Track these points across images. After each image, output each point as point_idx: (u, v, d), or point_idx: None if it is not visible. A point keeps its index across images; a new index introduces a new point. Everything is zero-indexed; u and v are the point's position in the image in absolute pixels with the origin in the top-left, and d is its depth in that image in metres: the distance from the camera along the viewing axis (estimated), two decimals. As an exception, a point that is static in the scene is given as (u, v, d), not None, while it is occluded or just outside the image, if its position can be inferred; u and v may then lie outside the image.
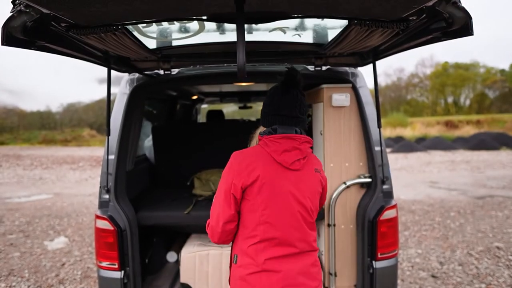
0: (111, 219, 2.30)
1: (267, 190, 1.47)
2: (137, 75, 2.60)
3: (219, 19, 1.60)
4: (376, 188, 2.41)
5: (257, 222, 1.48)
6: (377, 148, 2.43)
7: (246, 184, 1.47)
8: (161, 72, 2.57)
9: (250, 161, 1.49)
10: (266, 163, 1.49)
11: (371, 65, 2.29)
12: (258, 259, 1.48)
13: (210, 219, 1.58)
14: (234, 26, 1.74)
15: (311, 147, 1.61)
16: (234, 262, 1.55)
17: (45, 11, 1.26)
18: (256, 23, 1.77)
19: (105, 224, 2.30)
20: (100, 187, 2.40)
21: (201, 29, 1.94)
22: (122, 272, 2.32)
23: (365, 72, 2.65)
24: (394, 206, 2.39)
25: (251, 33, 2.08)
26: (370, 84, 2.82)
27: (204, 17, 1.60)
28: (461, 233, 5.63)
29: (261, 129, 1.65)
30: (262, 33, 2.06)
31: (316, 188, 1.59)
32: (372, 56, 2.16)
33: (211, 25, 1.92)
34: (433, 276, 4.14)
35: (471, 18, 1.37)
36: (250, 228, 1.50)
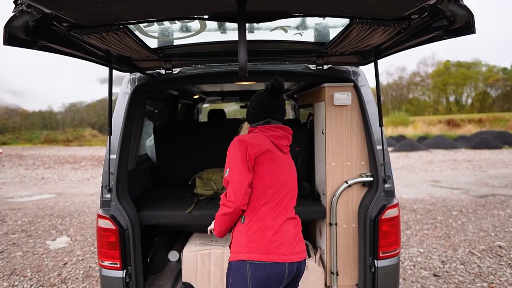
0: (113, 219, 2.30)
1: (273, 161, 1.81)
2: (138, 74, 2.60)
3: (221, 18, 1.60)
4: (377, 187, 2.40)
5: (266, 186, 1.78)
6: (379, 147, 2.43)
7: (258, 153, 1.78)
8: (163, 71, 2.57)
9: (256, 138, 1.82)
10: (269, 142, 1.85)
11: (372, 64, 2.28)
12: (264, 218, 1.76)
13: (232, 186, 1.75)
14: (235, 25, 1.75)
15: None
16: (242, 222, 1.80)
17: (46, 11, 1.27)
18: (258, 22, 1.77)
19: (107, 224, 2.30)
20: (102, 186, 2.40)
21: (203, 28, 1.94)
22: (124, 271, 2.32)
23: (366, 71, 2.65)
24: (396, 205, 2.38)
25: (253, 32, 2.08)
26: (372, 83, 2.81)
27: (206, 16, 1.60)
28: (463, 232, 5.62)
29: (246, 125, 2.03)
30: (264, 32, 2.06)
31: (295, 169, 1.98)
32: (373, 54, 2.16)
33: (212, 24, 1.92)
34: (435, 275, 4.14)
35: (473, 16, 1.37)
36: (259, 192, 1.78)
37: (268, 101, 1.91)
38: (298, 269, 1.79)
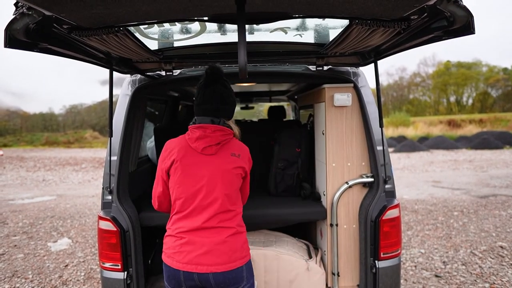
0: (114, 220, 2.30)
1: (181, 171, 1.78)
2: (139, 76, 2.61)
3: (220, 19, 1.60)
4: (378, 187, 2.40)
5: (175, 198, 1.81)
6: (379, 148, 2.43)
7: (167, 167, 1.82)
8: (163, 73, 2.58)
9: (171, 148, 1.83)
10: (183, 149, 1.80)
11: (372, 65, 2.28)
12: (172, 226, 1.84)
13: (152, 194, 1.96)
14: (235, 26, 1.75)
15: (234, 134, 1.91)
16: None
17: (47, 13, 1.27)
18: (257, 23, 1.77)
19: (108, 225, 2.30)
20: (103, 188, 2.41)
21: (203, 30, 1.94)
22: (125, 273, 2.32)
23: (366, 71, 2.65)
24: (397, 206, 2.38)
25: (252, 33, 2.08)
26: (372, 84, 2.81)
27: (206, 18, 1.60)
28: (465, 233, 5.61)
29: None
30: (263, 33, 2.06)
31: (231, 171, 1.82)
32: (373, 55, 2.16)
33: (212, 26, 1.93)
34: (437, 276, 4.13)
35: (473, 17, 1.37)
36: (172, 202, 1.86)
37: (204, 91, 1.83)
38: (203, 281, 1.71)
